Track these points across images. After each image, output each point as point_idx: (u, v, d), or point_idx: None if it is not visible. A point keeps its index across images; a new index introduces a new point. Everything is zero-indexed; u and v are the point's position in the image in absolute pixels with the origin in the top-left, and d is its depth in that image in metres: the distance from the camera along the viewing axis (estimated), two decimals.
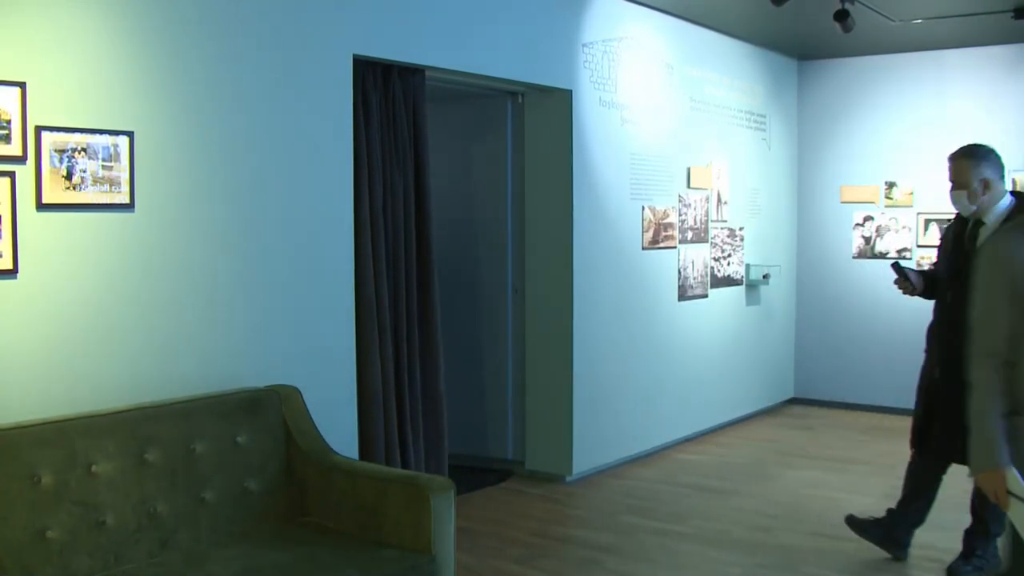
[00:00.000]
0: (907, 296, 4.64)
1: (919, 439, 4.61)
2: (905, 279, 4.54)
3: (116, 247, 3.60)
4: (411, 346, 4.93)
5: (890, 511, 4.77)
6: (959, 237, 4.37)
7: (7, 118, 3.25)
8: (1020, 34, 7.17)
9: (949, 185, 4.31)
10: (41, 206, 3.36)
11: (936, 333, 4.46)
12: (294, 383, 4.07)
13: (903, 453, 6.80)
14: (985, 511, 4.43)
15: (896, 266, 4.59)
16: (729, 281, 7.63)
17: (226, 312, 3.99)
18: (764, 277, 7.94)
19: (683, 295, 7.03)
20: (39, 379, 3.39)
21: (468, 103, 6.26)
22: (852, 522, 4.78)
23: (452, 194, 6.28)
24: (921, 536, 4.99)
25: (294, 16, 4.23)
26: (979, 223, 4.25)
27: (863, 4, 6.40)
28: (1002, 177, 4.22)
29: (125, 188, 3.61)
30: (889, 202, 8.19)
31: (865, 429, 7.64)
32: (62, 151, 3.41)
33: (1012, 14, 6.49)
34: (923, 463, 4.65)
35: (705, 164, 7.24)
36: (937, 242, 4.84)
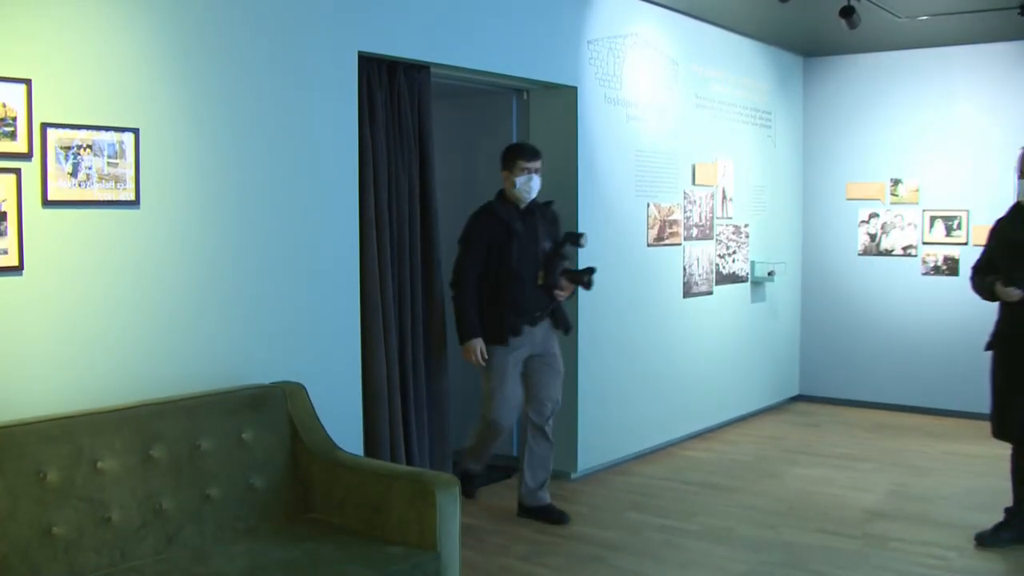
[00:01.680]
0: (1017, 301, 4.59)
1: (999, 428, 4.80)
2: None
3: (121, 244, 3.61)
4: (416, 343, 4.93)
5: (1008, 511, 4.85)
6: (1015, 227, 4.64)
7: (13, 115, 3.25)
8: None
9: (1016, 175, 4.68)
10: (47, 203, 3.37)
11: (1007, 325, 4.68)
12: (299, 380, 4.07)
13: (909, 450, 6.84)
14: None
15: (996, 285, 4.60)
16: (734, 278, 7.62)
17: (231, 309, 3.99)
18: (769, 274, 7.93)
19: (688, 292, 7.02)
20: (45, 376, 3.39)
21: (473, 100, 6.26)
22: (982, 540, 4.80)
23: (457, 191, 6.27)
24: (925, 534, 4.99)
25: (300, 13, 4.23)
26: None
27: (869, 1, 6.39)
28: None
29: (130, 185, 3.62)
30: (895, 199, 8.17)
31: (870, 426, 7.63)
32: (68, 148, 3.41)
33: (1018, 11, 6.47)
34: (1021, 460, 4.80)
35: (710, 161, 7.23)
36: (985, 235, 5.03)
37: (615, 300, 6.26)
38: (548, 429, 5.20)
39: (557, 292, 5.08)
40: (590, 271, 5.14)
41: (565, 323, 5.23)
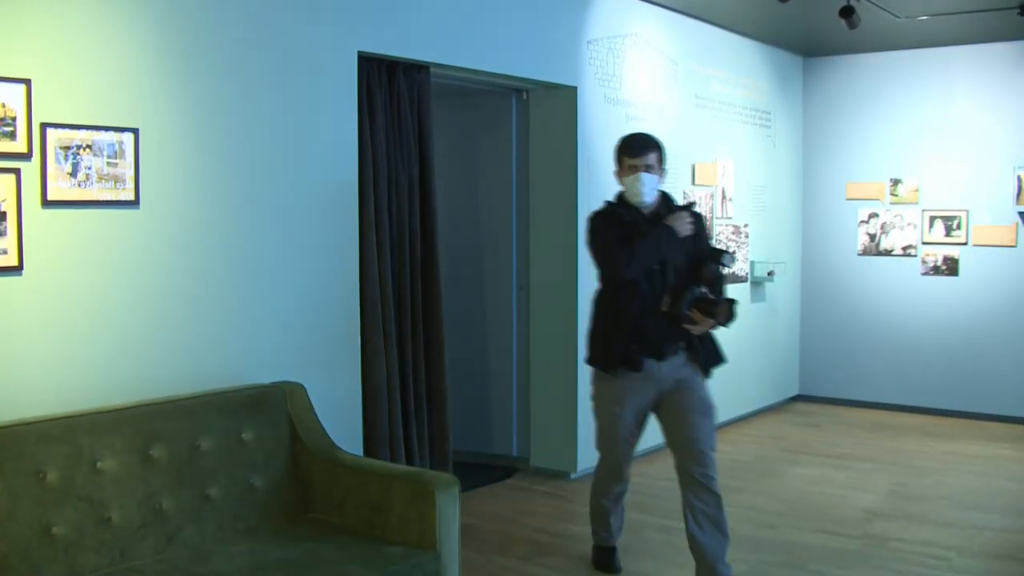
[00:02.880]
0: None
1: None
2: None
3: (121, 244, 3.61)
4: (416, 343, 4.93)
5: None
6: None
7: (12, 115, 3.25)
8: None
9: None
10: (46, 203, 3.37)
11: None
12: (299, 380, 4.07)
13: (907, 450, 6.84)
14: None
15: None
16: (733, 278, 7.62)
17: (231, 309, 3.99)
18: (769, 274, 7.93)
19: None
20: (44, 376, 3.39)
21: (473, 100, 6.26)
22: None
23: (457, 191, 6.28)
24: (925, 534, 4.99)
25: (299, 13, 4.23)
26: None
27: (869, 1, 6.39)
28: None
29: (130, 185, 3.62)
30: (894, 199, 8.17)
31: (870, 426, 7.63)
32: (67, 148, 3.41)
33: (1018, 11, 6.47)
34: None
35: (710, 161, 7.23)
36: None
37: None
38: (714, 483, 4.08)
39: (687, 326, 4.01)
40: (729, 303, 3.98)
41: (713, 357, 4.16)
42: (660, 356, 4.03)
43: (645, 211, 4.09)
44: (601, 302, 4.21)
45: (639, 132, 4.28)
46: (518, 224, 6.22)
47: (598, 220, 4.15)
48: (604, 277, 4.16)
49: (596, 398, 4.30)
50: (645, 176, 4.04)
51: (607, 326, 4.11)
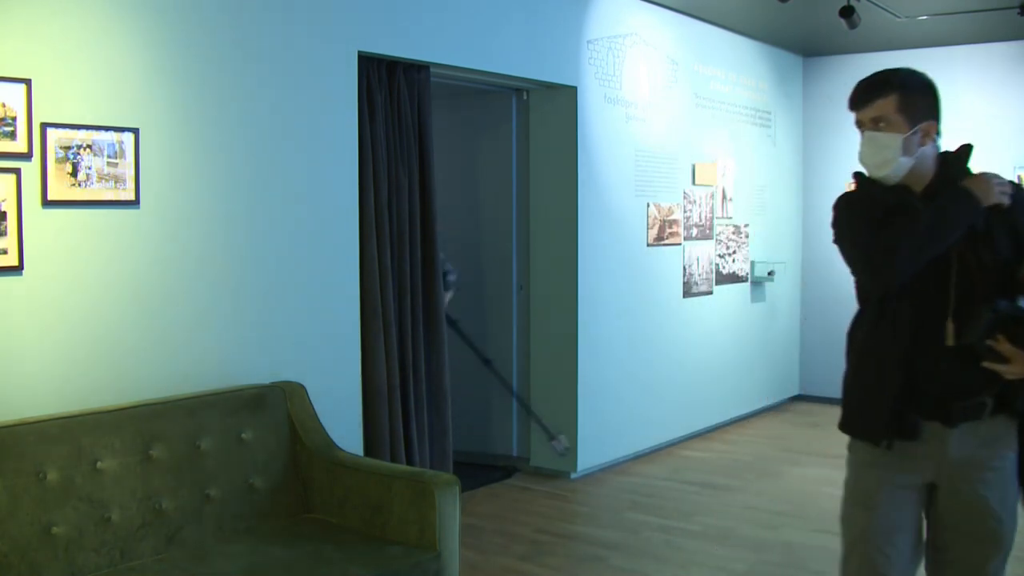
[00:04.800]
0: None
1: None
2: None
3: (121, 244, 3.61)
4: (416, 343, 4.93)
5: None
6: None
7: (13, 115, 3.25)
8: None
9: None
10: (47, 203, 3.37)
11: None
12: (299, 380, 4.07)
13: None
14: None
15: None
16: (734, 278, 7.62)
17: (231, 309, 3.99)
18: (769, 274, 7.92)
19: (688, 292, 7.02)
20: (44, 375, 3.39)
21: (473, 100, 6.26)
22: None
23: (457, 191, 6.27)
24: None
25: (299, 13, 4.23)
26: None
27: (869, 1, 6.39)
28: None
29: (130, 185, 3.62)
30: None
31: None
32: (67, 148, 3.41)
33: (1018, 10, 6.46)
34: None
35: (710, 161, 7.23)
36: None
37: (614, 300, 6.26)
38: None
39: (992, 365, 2.49)
40: None
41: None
42: (948, 419, 2.56)
43: (918, 188, 2.70)
44: (857, 333, 2.89)
45: (876, 71, 2.76)
46: (518, 224, 6.22)
47: (841, 208, 2.83)
48: (859, 291, 2.92)
49: (846, 483, 2.97)
50: (871, 136, 2.68)
51: (864, 371, 2.83)
